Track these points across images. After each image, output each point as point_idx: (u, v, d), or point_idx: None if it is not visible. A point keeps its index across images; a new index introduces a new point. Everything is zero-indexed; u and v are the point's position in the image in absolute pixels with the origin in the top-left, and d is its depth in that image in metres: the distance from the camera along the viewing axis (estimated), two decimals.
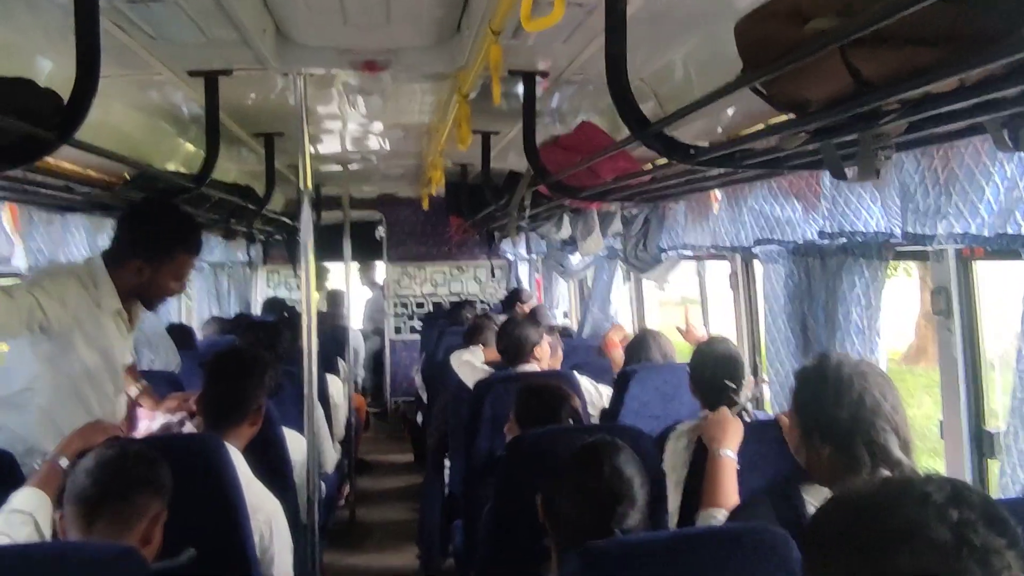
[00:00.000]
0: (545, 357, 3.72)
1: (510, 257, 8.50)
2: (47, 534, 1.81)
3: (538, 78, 3.08)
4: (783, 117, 1.68)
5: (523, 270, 8.44)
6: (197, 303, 6.19)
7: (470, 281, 8.91)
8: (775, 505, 1.71)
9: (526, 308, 6.49)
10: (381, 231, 8.92)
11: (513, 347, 3.67)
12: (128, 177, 3.11)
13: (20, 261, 2.88)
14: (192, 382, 3.74)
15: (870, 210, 2.30)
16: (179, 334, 4.61)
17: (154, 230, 2.62)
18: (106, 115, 3.03)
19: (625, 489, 1.73)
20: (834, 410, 1.73)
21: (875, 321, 2.27)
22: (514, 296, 6.80)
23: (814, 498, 1.72)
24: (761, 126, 2.01)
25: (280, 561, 2.34)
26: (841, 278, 2.41)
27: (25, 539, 1.81)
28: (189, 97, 3.18)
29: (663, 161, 2.81)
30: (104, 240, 3.75)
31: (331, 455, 4.30)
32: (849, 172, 1.70)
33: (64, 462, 1.95)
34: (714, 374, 2.63)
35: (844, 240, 2.43)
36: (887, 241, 2.25)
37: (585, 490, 1.75)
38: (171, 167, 3.76)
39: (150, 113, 3.39)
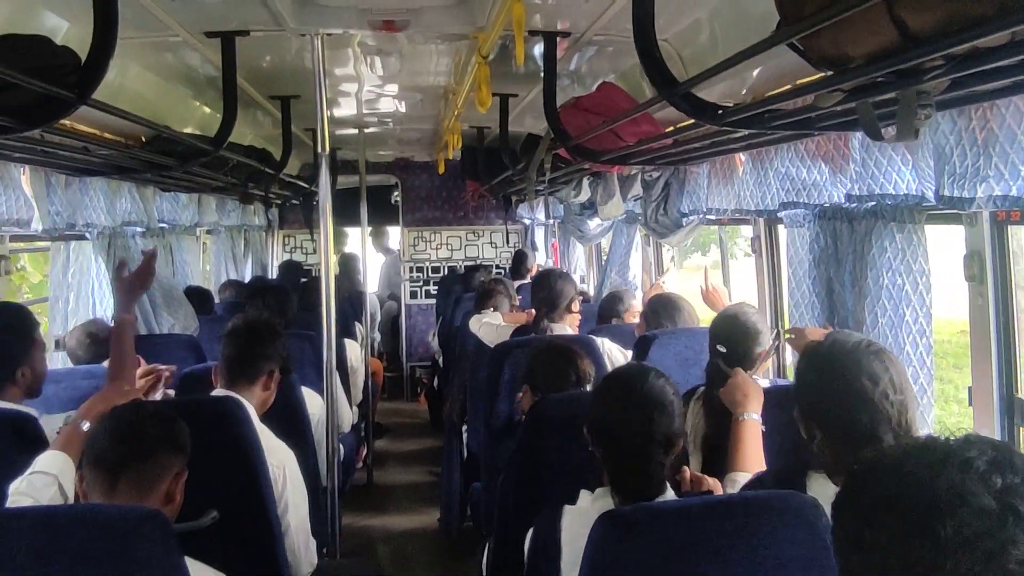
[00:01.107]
0: (576, 319, 3.68)
1: (526, 222, 8.44)
2: (71, 496, 1.81)
3: (559, 39, 3.03)
4: (814, 76, 1.64)
5: (539, 235, 8.39)
6: (214, 267, 6.18)
7: (486, 246, 8.88)
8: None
9: (532, 273, 6.48)
10: (397, 196, 8.88)
11: (552, 299, 3.61)
12: (145, 139, 3.08)
13: (37, 224, 2.87)
14: (211, 346, 3.75)
15: (901, 172, 2.25)
16: (197, 297, 4.60)
17: None
18: (123, 78, 3.01)
19: (662, 397, 1.78)
20: (823, 398, 1.68)
21: (917, 287, 2.22)
22: (518, 261, 6.76)
23: (817, 492, 1.63)
24: (790, 86, 1.96)
25: (295, 509, 2.38)
26: (870, 242, 2.36)
27: (48, 501, 1.82)
28: (206, 59, 3.15)
29: (686, 123, 2.76)
30: (123, 204, 3.75)
31: (348, 416, 4.32)
32: (884, 133, 1.66)
33: (86, 425, 1.96)
34: (737, 339, 2.59)
35: (873, 203, 2.38)
36: (919, 204, 2.20)
37: (627, 401, 1.79)
38: (188, 131, 3.73)
39: (167, 76, 3.36)
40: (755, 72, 2.22)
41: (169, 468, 1.72)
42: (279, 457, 2.38)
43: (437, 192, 8.79)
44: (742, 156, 3.11)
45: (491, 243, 8.90)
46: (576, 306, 3.72)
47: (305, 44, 3.18)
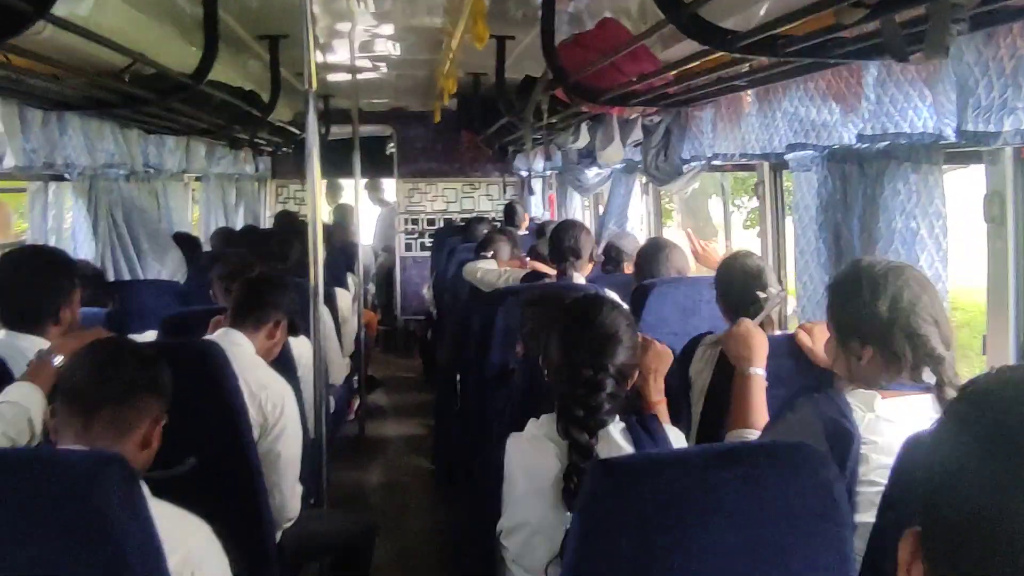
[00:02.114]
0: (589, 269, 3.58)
1: (523, 174, 8.30)
2: (38, 431, 1.73)
3: None
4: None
5: (536, 186, 8.25)
6: (203, 215, 6.05)
7: (482, 198, 8.75)
8: (821, 405, 1.62)
9: (525, 224, 6.38)
10: (392, 147, 8.71)
11: (568, 251, 3.48)
12: (122, 71, 2.93)
13: (10, 160, 2.74)
14: (199, 293, 3.66)
15: (918, 110, 2.12)
16: (186, 244, 4.49)
17: None
18: (99, 12, 2.85)
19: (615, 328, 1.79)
20: (872, 308, 1.67)
21: (933, 230, 2.11)
22: (510, 213, 6.64)
23: (859, 401, 1.63)
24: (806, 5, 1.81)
25: (287, 443, 2.40)
26: (882, 184, 2.25)
27: (17, 434, 1.75)
28: None
29: (691, 56, 2.63)
30: (105, 145, 3.62)
31: (340, 367, 4.24)
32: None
33: (58, 360, 1.87)
34: (744, 286, 2.47)
35: (886, 143, 2.26)
36: (936, 143, 2.08)
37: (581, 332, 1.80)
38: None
39: (146, 8, 3.19)
40: (771, 3, 2.08)
41: (148, 411, 1.61)
42: (279, 386, 2.43)
43: (433, 143, 8.63)
44: (748, 97, 2.98)
45: (487, 195, 8.77)
46: (594, 257, 3.64)
47: None
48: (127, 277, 3.77)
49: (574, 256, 3.51)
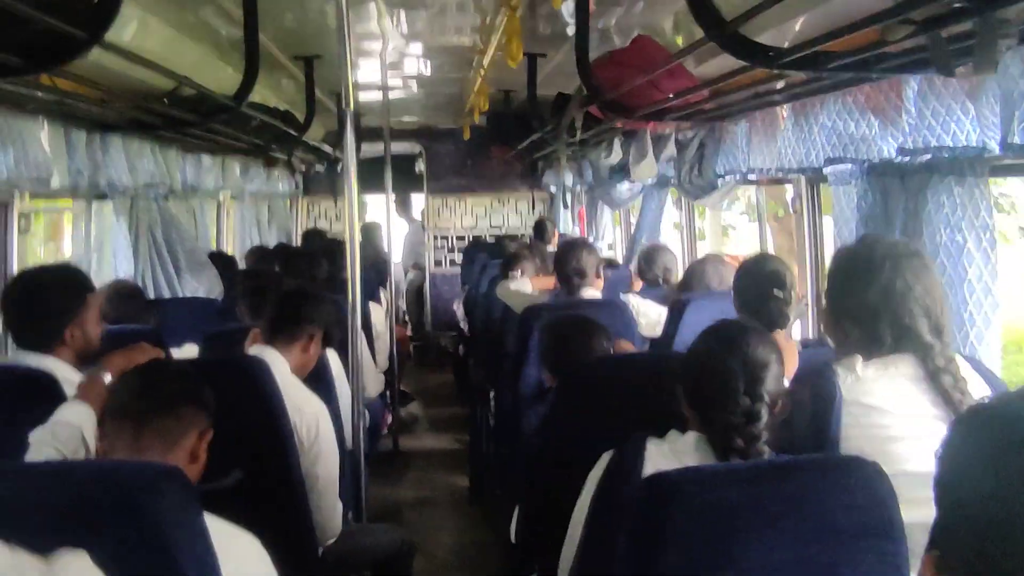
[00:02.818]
0: (601, 284, 3.59)
1: (552, 189, 8.31)
2: (92, 448, 1.76)
3: None
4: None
5: (567, 202, 8.25)
6: (238, 233, 6.12)
7: (511, 214, 8.77)
8: (809, 374, 1.73)
9: (555, 240, 6.39)
10: (421, 165, 8.77)
11: (573, 272, 3.51)
12: (165, 98, 2.99)
13: (56, 181, 2.80)
14: (235, 310, 3.70)
15: (960, 123, 2.10)
16: (221, 262, 4.55)
17: None
18: (143, 36, 2.91)
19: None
20: (862, 293, 1.74)
21: (981, 243, 2.09)
22: (540, 229, 6.67)
23: (842, 366, 1.72)
24: (849, 23, 1.81)
25: (326, 462, 2.39)
26: (925, 198, 2.23)
27: (72, 452, 1.77)
28: (227, 16, 3.05)
29: (726, 74, 2.63)
30: (145, 164, 3.68)
31: (374, 381, 4.26)
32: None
33: (107, 377, 1.90)
34: (759, 285, 2.48)
35: (928, 157, 2.24)
36: (980, 155, 2.06)
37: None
38: None
39: (188, 32, 3.26)
40: (808, 17, 2.08)
41: (193, 424, 1.65)
42: (314, 408, 2.41)
43: (462, 160, 8.67)
44: (784, 111, 2.97)
45: (516, 211, 8.78)
46: (600, 272, 3.64)
47: None
48: (166, 294, 3.83)
49: (579, 277, 3.53)
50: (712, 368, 1.70)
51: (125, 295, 3.21)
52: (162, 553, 1.20)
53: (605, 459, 1.78)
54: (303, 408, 2.37)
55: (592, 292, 3.53)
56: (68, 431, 1.79)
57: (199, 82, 3.28)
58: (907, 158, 2.32)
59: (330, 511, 2.44)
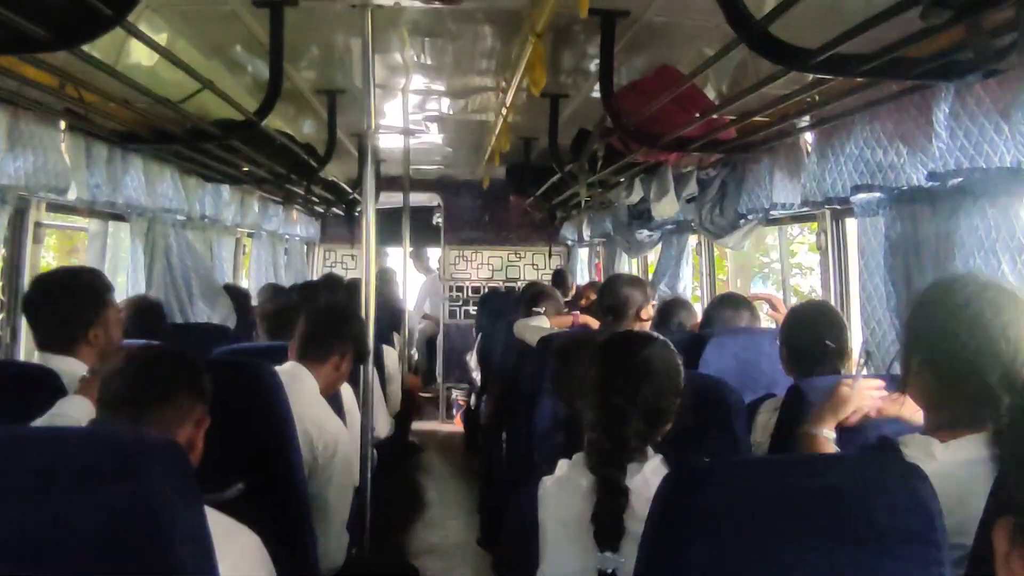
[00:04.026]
0: (647, 327, 3.44)
1: (569, 242, 8.30)
2: None
3: (618, 18, 2.91)
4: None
5: (583, 255, 8.24)
6: (254, 272, 6.11)
7: (528, 267, 8.75)
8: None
9: (572, 292, 6.36)
10: (438, 217, 8.81)
11: (618, 307, 3.36)
12: (185, 109, 2.99)
13: (73, 192, 2.79)
14: (247, 339, 3.66)
15: (993, 143, 2.05)
16: (236, 295, 4.52)
17: None
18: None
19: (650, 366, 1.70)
20: (940, 339, 1.50)
21: (1016, 265, 2.00)
22: (558, 279, 6.65)
23: (917, 451, 1.45)
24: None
25: (338, 485, 2.35)
26: (957, 221, 2.17)
27: None
28: (252, 36, 3.07)
29: (749, 104, 2.61)
30: (164, 188, 3.69)
31: (385, 421, 4.17)
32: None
33: None
34: (814, 335, 2.35)
35: (960, 180, 2.18)
36: (1016, 174, 2.00)
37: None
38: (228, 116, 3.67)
39: (212, 51, 3.28)
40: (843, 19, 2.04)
41: (190, 411, 1.58)
42: (334, 428, 2.38)
43: (480, 212, 8.71)
44: (808, 143, 2.94)
45: (533, 264, 8.77)
46: (647, 313, 3.41)
47: (353, 24, 3.10)
48: (178, 319, 3.79)
49: (613, 315, 3.37)
50: (597, 371, 1.73)
51: (145, 310, 3.18)
52: (155, 525, 1.12)
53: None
54: (324, 426, 2.33)
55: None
56: (63, 422, 1.73)
57: (222, 112, 3.31)
58: (937, 183, 2.27)
59: (336, 539, 2.36)
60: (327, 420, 2.39)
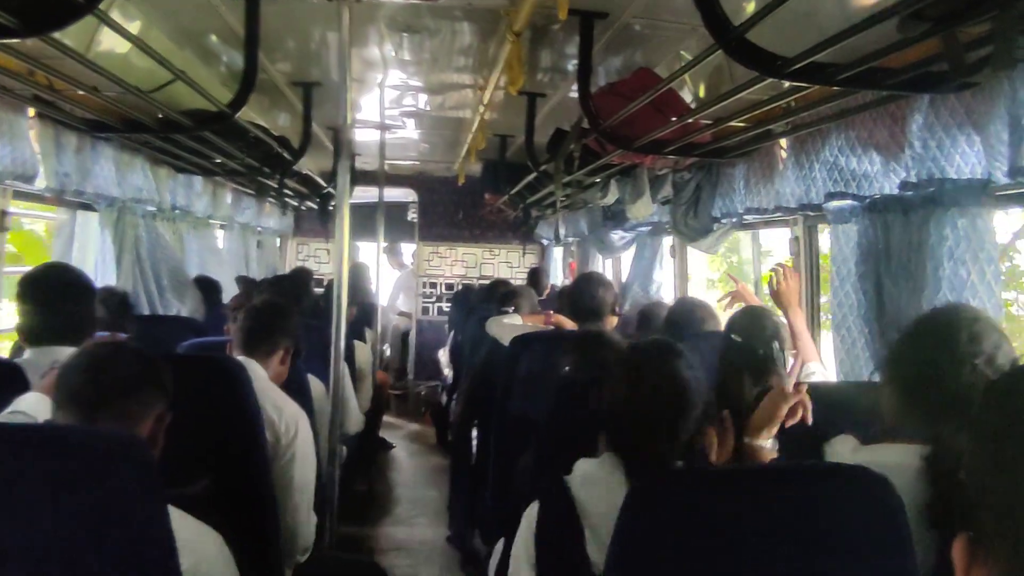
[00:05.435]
0: (614, 322, 3.48)
1: (544, 241, 8.31)
2: None
3: (597, 20, 2.90)
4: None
5: (557, 254, 8.25)
6: (225, 263, 6.03)
7: (502, 265, 8.74)
8: None
9: (548, 291, 6.35)
10: (413, 213, 8.77)
11: (588, 307, 3.40)
12: (157, 99, 2.94)
13: (42, 181, 2.74)
14: (216, 331, 3.61)
15: (965, 155, 2.09)
16: (206, 287, 4.46)
17: None
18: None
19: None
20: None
21: (984, 276, 2.04)
22: (534, 276, 6.65)
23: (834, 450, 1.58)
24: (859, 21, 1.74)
25: (302, 465, 2.35)
26: (928, 231, 2.19)
27: None
28: (229, 33, 3.03)
29: (727, 105, 2.61)
30: (134, 177, 3.62)
31: (355, 419, 4.14)
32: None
33: None
34: (750, 343, 2.41)
35: (931, 190, 2.21)
36: (985, 186, 2.03)
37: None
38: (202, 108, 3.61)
39: (185, 41, 3.23)
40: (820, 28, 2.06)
41: (151, 407, 1.54)
42: (293, 409, 2.38)
43: (455, 209, 8.68)
44: (783, 150, 2.96)
45: (507, 262, 8.76)
46: (616, 310, 3.53)
47: (331, 17, 3.07)
48: (146, 311, 3.73)
49: (595, 317, 3.40)
50: (633, 384, 1.70)
51: (115, 302, 3.13)
52: (120, 523, 1.10)
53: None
54: (283, 407, 2.33)
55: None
56: (22, 420, 1.69)
57: (196, 102, 3.25)
58: (910, 192, 2.30)
59: (303, 517, 2.37)
60: (286, 402, 2.41)
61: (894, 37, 1.55)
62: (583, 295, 3.42)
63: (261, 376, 2.40)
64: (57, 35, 2.05)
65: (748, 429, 1.96)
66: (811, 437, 1.75)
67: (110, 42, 2.73)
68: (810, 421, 1.90)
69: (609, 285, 3.53)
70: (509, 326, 3.82)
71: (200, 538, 1.41)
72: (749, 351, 2.42)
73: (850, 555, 1.24)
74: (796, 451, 1.83)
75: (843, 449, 1.60)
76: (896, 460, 1.45)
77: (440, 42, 3.57)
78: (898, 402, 1.56)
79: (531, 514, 1.67)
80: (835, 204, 2.66)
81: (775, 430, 1.94)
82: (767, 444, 1.94)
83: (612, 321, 3.47)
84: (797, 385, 1.93)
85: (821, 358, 2.83)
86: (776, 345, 2.42)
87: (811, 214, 3.04)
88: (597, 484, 1.60)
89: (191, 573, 1.30)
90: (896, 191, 2.37)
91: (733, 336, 2.50)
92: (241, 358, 2.47)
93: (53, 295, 2.28)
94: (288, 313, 2.73)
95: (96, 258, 3.52)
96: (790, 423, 1.91)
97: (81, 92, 2.53)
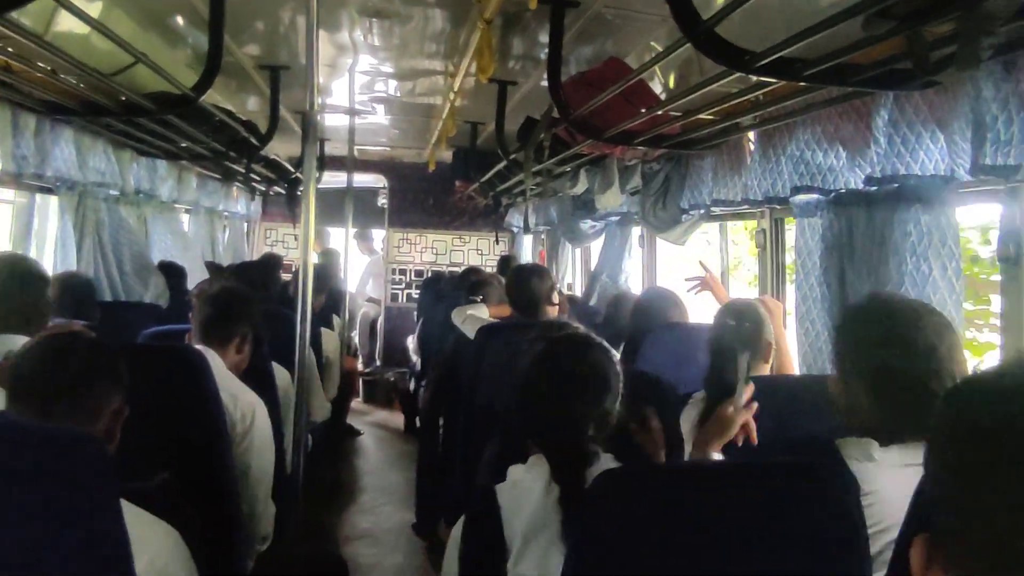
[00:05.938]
0: (556, 311, 3.50)
1: (515, 229, 8.30)
2: None
3: (568, 8, 2.89)
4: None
5: (527, 242, 8.24)
6: (192, 248, 5.94)
7: (472, 252, 8.72)
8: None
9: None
10: (383, 200, 8.72)
11: (526, 299, 3.43)
12: (119, 82, 2.88)
13: None
14: (180, 320, 3.55)
15: (929, 151, 2.11)
16: (170, 272, 4.40)
17: None
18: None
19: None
20: (880, 352, 1.53)
21: (946, 272, 2.06)
22: (504, 264, 6.65)
23: (856, 452, 1.50)
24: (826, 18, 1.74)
25: (259, 453, 2.34)
26: (891, 227, 2.21)
27: None
28: (194, 14, 2.97)
29: (696, 97, 2.62)
30: (96, 161, 3.55)
31: (321, 407, 4.11)
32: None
33: None
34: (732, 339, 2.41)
35: (895, 186, 2.23)
36: (947, 183, 2.05)
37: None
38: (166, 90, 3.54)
39: (149, 23, 3.16)
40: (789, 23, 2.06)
41: (107, 400, 1.51)
42: (249, 399, 2.35)
43: (425, 195, 8.64)
44: (751, 143, 2.97)
45: (477, 250, 8.74)
46: (555, 297, 3.53)
47: (299, 3, 3.03)
48: (108, 297, 3.67)
49: (531, 308, 3.45)
50: (547, 377, 1.70)
51: (75, 287, 3.08)
52: (75, 523, 1.08)
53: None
54: (238, 396, 2.31)
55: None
56: None
57: (160, 85, 3.19)
58: (874, 187, 2.32)
59: (262, 505, 2.36)
60: (241, 391, 2.39)
61: (860, 34, 1.56)
62: (518, 287, 3.45)
63: (218, 365, 2.36)
64: (14, 15, 2.01)
65: (698, 442, 1.97)
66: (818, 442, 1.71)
67: (70, 23, 2.66)
68: (755, 441, 1.91)
69: (545, 275, 3.56)
70: (473, 318, 3.81)
71: (156, 535, 1.39)
72: (745, 333, 2.43)
73: (813, 554, 1.24)
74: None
75: (857, 452, 1.51)
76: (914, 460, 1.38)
77: (410, 28, 3.53)
78: (871, 401, 1.54)
79: (455, 535, 1.62)
80: (801, 198, 2.67)
81: (723, 444, 1.95)
82: (717, 457, 1.93)
83: (552, 311, 3.48)
84: (750, 402, 1.94)
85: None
86: (770, 328, 2.45)
87: (778, 207, 3.05)
88: (525, 490, 1.57)
89: (147, 570, 1.28)
90: (861, 186, 2.39)
91: (727, 320, 2.51)
92: (199, 347, 2.44)
93: (5, 285, 2.23)
94: (246, 300, 2.68)
95: (56, 242, 3.45)
96: (740, 438, 1.93)
97: (39, 75, 2.47)
